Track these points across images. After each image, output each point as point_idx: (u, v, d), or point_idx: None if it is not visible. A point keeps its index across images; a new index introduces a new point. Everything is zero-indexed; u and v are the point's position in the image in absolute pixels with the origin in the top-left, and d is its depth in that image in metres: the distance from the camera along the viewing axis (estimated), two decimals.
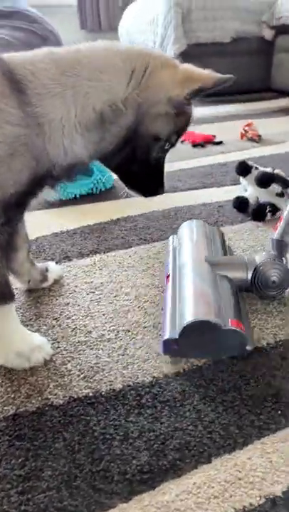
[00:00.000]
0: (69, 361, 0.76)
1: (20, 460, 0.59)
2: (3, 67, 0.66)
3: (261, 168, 1.29)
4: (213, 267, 0.85)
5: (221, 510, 0.52)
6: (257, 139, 2.06)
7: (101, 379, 0.72)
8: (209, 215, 1.32)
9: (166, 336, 0.74)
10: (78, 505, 0.53)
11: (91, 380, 0.71)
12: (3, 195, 0.66)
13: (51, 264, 1.02)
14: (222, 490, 0.54)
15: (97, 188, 1.51)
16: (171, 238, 1.08)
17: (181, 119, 0.75)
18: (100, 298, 0.93)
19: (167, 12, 3.09)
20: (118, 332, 0.82)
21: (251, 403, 0.66)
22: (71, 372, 0.73)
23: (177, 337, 0.72)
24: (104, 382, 0.71)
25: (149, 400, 0.67)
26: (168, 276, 0.91)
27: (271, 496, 0.53)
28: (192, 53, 3.13)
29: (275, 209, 1.25)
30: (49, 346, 0.78)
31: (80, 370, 0.74)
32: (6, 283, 0.74)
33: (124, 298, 0.93)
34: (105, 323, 0.85)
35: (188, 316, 0.73)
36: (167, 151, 0.78)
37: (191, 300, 0.77)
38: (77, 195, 1.48)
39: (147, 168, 0.78)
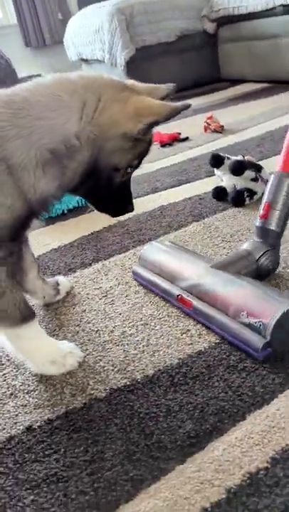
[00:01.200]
0: (100, 359, 0.84)
1: (82, 448, 0.67)
2: None
3: (233, 158, 1.40)
4: (225, 269, 0.90)
5: (263, 454, 0.61)
6: (220, 130, 2.17)
7: (133, 369, 0.80)
8: (192, 208, 1.41)
9: (259, 344, 0.75)
10: (142, 474, 0.62)
11: (125, 372, 0.80)
12: None
13: (60, 278, 1.09)
14: (261, 438, 0.63)
15: (82, 201, 1.59)
16: (135, 267, 1.06)
17: (139, 147, 0.76)
18: (112, 300, 1.02)
19: (111, 20, 3.18)
20: (137, 327, 0.91)
21: (269, 365, 0.76)
22: (105, 368, 0.82)
23: (269, 338, 0.75)
24: (137, 371, 0.80)
25: (181, 378, 0.76)
26: (181, 298, 0.91)
27: None
28: (141, 56, 3.24)
29: (252, 193, 1.35)
30: (79, 350, 0.86)
31: (113, 365, 0.82)
32: (25, 304, 0.80)
33: (135, 296, 1.01)
34: (124, 321, 0.94)
35: (270, 315, 0.75)
36: (131, 173, 0.79)
37: (253, 301, 0.79)
38: (65, 211, 1.55)
39: (114, 192, 0.79)
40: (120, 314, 0.96)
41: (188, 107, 0.75)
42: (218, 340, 0.83)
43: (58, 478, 0.63)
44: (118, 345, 0.87)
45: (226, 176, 1.43)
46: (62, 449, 0.68)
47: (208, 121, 2.23)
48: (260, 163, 1.61)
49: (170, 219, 1.37)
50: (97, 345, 0.88)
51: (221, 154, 1.41)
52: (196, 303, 0.88)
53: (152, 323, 0.91)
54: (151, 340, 0.86)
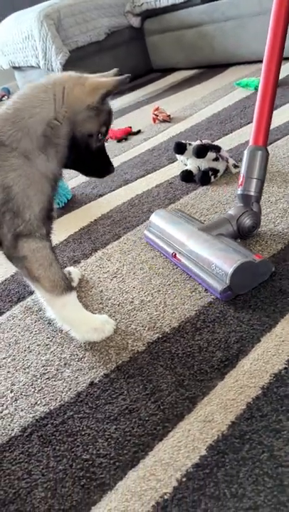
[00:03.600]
0: (130, 324, 1.02)
1: (141, 387, 0.85)
2: None
3: (193, 143, 1.60)
4: (208, 231, 1.13)
5: (280, 359, 0.82)
6: (168, 120, 2.37)
7: (161, 325, 0.99)
8: (166, 192, 1.61)
9: (220, 288, 0.98)
10: (194, 392, 0.81)
11: (155, 328, 0.98)
12: (39, 211, 0.93)
13: (70, 268, 1.26)
14: (275, 350, 0.84)
15: (61, 202, 1.74)
16: (146, 231, 1.31)
17: (102, 115, 0.98)
18: (123, 278, 1.19)
19: (40, 26, 3.28)
20: (152, 294, 1.10)
21: (268, 301, 0.97)
22: (137, 329, 1.00)
23: (228, 283, 0.97)
24: (165, 326, 0.98)
25: (202, 323, 0.96)
26: (175, 255, 1.14)
27: None
28: (75, 57, 3.37)
29: (215, 172, 1.56)
30: (111, 320, 1.04)
31: (142, 326, 1.00)
32: (65, 277, 0.99)
33: (142, 272, 1.20)
34: (139, 292, 1.12)
35: (229, 265, 0.97)
36: (102, 140, 1.01)
37: (219, 256, 1.01)
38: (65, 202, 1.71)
39: (94, 157, 1.01)
40: (134, 288, 1.14)
41: (127, 78, 0.98)
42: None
43: (129, 410, 0.81)
44: (141, 311, 1.05)
45: (189, 160, 1.63)
46: (125, 391, 0.85)
47: (155, 112, 2.42)
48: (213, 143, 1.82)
49: (149, 205, 1.55)
50: (124, 314, 1.06)
51: (183, 141, 1.61)
52: (182, 259, 1.12)
53: (164, 289, 1.10)
54: (168, 302, 1.05)
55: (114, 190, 1.76)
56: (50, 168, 0.95)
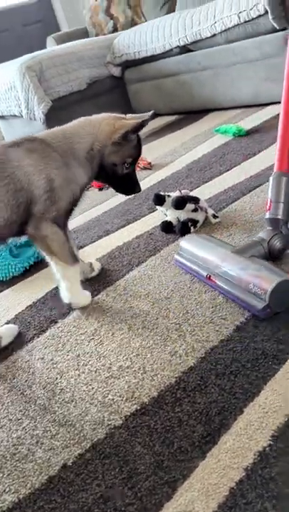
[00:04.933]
0: (108, 393, 0.96)
1: (116, 470, 0.79)
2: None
3: (172, 194, 1.59)
4: (241, 254, 1.17)
5: (264, 435, 0.77)
6: (149, 167, 2.37)
7: (139, 395, 0.93)
8: (146, 244, 1.58)
9: (260, 306, 1.02)
10: (175, 476, 0.75)
11: (133, 399, 0.93)
12: (67, 205, 1.25)
13: (92, 260, 1.49)
14: (259, 423, 0.79)
15: (39, 257, 1.70)
16: (176, 256, 1.36)
17: (127, 149, 1.28)
18: (101, 340, 1.14)
19: (22, 78, 3.34)
20: (131, 358, 1.04)
21: (250, 365, 0.92)
22: (114, 400, 0.94)
23: (268, 301, 1.01)
24: (143, 396, 0.93)
25: (182, 393, 0.90)
26: (209, 277, 1.19)
27: None
28: (58, 107, 3.42)
29: (194, 222, 1.54)
30: (89, 296, 1.33)
31: (120, 396, 0.95)
32: (73, 251, 1.29)
33: (121, 333, 1.15)
34: (117, 356, 1.07)
35: (268, 284, 1.02)
36: (129, 168, 1.30)
37: (256, 276, 1.05)
38: (27, 267, 1.65)
39: (121, 179, 1.32)
40: (112, 351, 1.09)
41: (149, 118, 1.27)
42: (203, 355, 0.99)
43: (104, 498, 0.75)
44: (119, 379, 1.00)
45: (169, 211, 1.61)
46: (100, 475, 0.79)
47: None
48: (193, 192, 1.82)
49: (129, 257, 1.52)
50: (101, 383, 1.00)
51: (162, 193, 1.60)
52: (218, 280, 1.17)
53: (143, 353, 1.05)
54: (147, 368, 1.00)
55: (94, 241, 1.73)
56: (82, 179, 1.27)
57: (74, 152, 1.24)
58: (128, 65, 3.61)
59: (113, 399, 0.94)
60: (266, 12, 2.51)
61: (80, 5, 4.93)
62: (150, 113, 1.30)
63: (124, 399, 0.94)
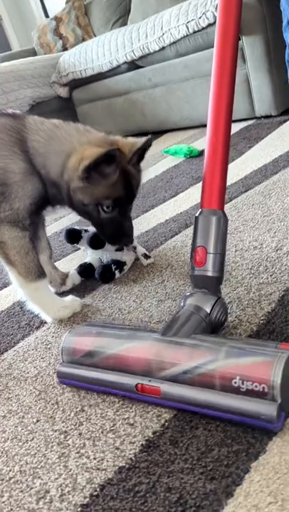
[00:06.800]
0: None
1: None
2: None
3: (91, 229, 1.22)
4: (182, 336, 0.73)
5: None
6: None
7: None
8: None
9: (273, 412, 0.59)
10: None
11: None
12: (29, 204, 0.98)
13: (71, 272, 1.20)
14: None
15: None
16: (61, 368, 0.82)
17: (99, 187, 0.92)
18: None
19: None
20: None
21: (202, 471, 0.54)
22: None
23: (280, 399, 0.60)
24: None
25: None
26: (141, 387, 0.71)
27: None
28: None
29: (120, 265, 1.18)
30: (78, 298, 1.08)
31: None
32: (40, 265, 1.03)
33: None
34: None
35: (267, 371, 0.61)
36: (110, 212, 0.94)
37: (239, 364, 0.64)
38: None
39: (101, 224, 0.97)
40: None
41: (113, 151, 0.88)
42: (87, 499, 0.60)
43: None
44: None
45: (88, 250, 1.24)
46: None
47: None
48: None
49: (30, 315, 1.13)
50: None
51: (77, 227, 1.23)
52: (165, 386, 0.68)
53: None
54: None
55: None
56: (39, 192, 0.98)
57: (48, 162, 0.96)
58: (76, 84, 3.30)
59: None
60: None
61: (32, 25, 4.68)
62: (144, 139, 0.97)
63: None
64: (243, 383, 0.62)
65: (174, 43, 2.52)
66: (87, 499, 0.59)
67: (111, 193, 0.93)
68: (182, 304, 0.80)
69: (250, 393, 0.62)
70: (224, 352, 0.66)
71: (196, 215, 0.83)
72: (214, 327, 0.79)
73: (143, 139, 0.97)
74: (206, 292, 0.80)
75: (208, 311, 0.78)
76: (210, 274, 0.80)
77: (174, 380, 0.68)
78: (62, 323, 1.05)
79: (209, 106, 0.85)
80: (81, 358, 0.79)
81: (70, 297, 1.09)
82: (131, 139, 1.00)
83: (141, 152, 0.98)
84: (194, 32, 2.38)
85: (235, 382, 0.63)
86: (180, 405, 0.68)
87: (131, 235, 0.98)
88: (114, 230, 0.97)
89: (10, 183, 0.95)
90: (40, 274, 1.02)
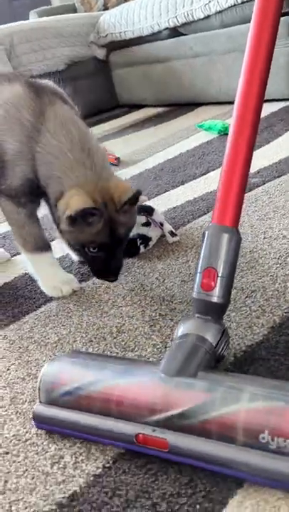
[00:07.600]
0: None
1: None
2: None
3: None
4: (183, 372, 0.61)
5: None
6: (116, 163, 2.00)
7: None
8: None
9: None
10: None
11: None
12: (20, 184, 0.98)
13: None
14: None
15: None
16: (38, 407, 0.67)
17: (84, 233, 0.91)
18: None
19: None
20: None
21: None
22: None
23: None
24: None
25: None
26: (141, 437, 0.58)
27: None
28: None
29: (146, 240, 1.17)
30: (77, 281, 1.07)
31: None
32: (41, 239, 1.03)
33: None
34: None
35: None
36: (96, 253, 0.93)
37: (269, 412, 0.53)
38: None
39: (89, 261, 0.97)
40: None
41: (95, 210, 0.89)
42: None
43: None
44: None
45: None
46: None
47: None
48: (157, 198, 1.46)
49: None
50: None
51: None
52: (174, 438, 0.56)
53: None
54: None
55: None
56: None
57: (44, 160, 0.95)
58: (114, 47, 3.23)
59: None
60: None
61: None
62: (135, 190, 0.91)
63: None
64: (273, 440, 0.52)
65: (220, 12, 2.43)
66: (100, 470, 0.61)
67: (95, 239, 0.92)
68: (182, 330, 0.69)
69: (283, 452, 0.51)
70: (246, 399, 0.55)
71: (206, 231, 0.72)
72: (217, 360, 0.69)
73: (134, 191, 0.91)
74: (209, 320, 0.69)
75: (214, 343, 0.67)
76: (217, 300, 0.69)
77: (183, 429, 0.56)
78: (85, 292, 1.06)
79: (237, 97, 0.76)
80: (64, 396, 0.65)
81: (67, 276, 1.08)
82: (124, 185, 0.95)
83: (132, 202, 0.93)
84: (242, 2, 2.29)
85: (264, 438, 0.52)
86: (192, 461, 0.56)
87: (117, 273, 0.96)
88: (99, 267, 0.97)
89: (5, 159, 0.95)
90: (39, 247, 1.03)
